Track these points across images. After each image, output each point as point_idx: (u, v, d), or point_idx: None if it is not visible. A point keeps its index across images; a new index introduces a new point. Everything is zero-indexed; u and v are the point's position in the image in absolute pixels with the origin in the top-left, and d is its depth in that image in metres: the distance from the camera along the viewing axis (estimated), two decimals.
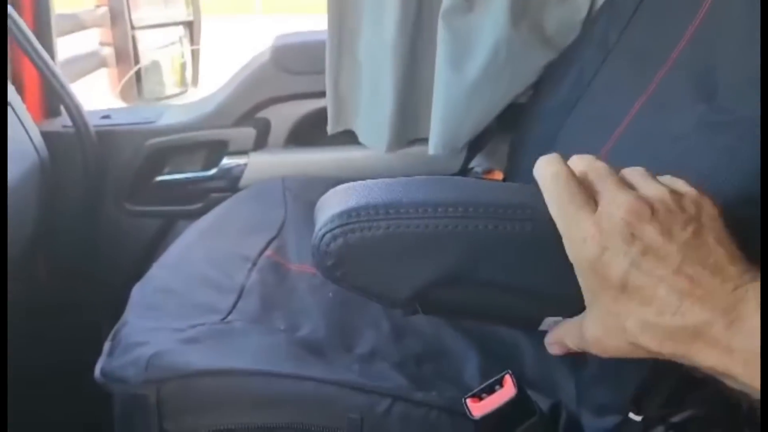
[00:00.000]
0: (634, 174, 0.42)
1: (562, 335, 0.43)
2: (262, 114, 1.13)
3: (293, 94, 1.12)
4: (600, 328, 0.40)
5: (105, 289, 0.93)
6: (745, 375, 0.35)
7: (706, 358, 0.37)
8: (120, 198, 1.12)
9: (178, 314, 0.72)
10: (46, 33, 1.11)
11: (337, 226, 0.41)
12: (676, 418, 0.61)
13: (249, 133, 1.12)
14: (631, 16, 0.84)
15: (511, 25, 0.95)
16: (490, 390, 0.57)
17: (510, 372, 0.57)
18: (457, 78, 0.96)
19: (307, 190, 1.03)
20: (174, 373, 0.62)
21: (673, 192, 0.40)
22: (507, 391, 0.56)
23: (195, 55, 1.67)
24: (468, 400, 0.57)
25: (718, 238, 0.38)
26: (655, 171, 0.65)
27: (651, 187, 0.40)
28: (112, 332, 0.72)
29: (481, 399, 0.57)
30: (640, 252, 0.37)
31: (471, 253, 0.42)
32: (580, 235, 0.38)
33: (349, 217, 0.41)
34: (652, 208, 0.38)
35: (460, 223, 0.41)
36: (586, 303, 0.41)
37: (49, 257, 1.10)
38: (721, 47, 0.64)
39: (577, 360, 0.74)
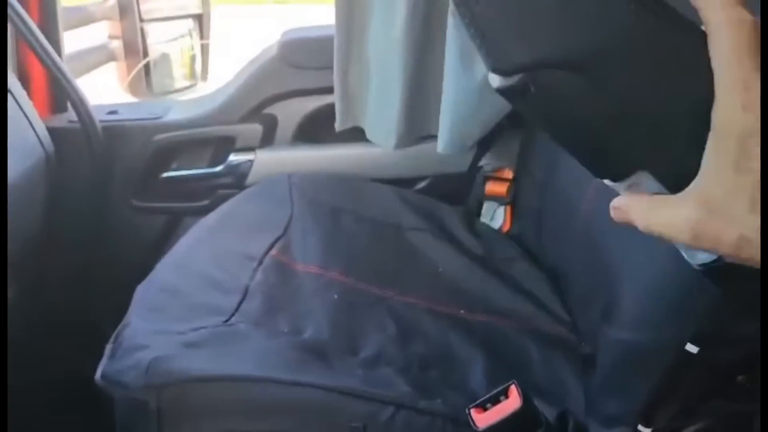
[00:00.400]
0: None
1: (628, 206, 0.35)
2: (269, 110, 1.11)
3: (301, 89, 1.10)
4: (709, 211, 0.32)
5: (111, 285, 0.92)
6: None
7: None
8: (126, 194, 1.11)
9: (181, 316, 0.71)
10: (53, 27, 1.10)
11: None
12: (686, 431, 0.60)
13: (256, 129, 1.11)
14: None
15: None
16: (495, 400, 0.56)
17: (515, 382, 0.56)
18: (467, 76, 0.95)
19: (314, 188, 1.02)
20: (174, 379, 0.61)
21: None
22: (512, 402, 0.55)
23: (204, 49, 1.66)
24: (472, 411, 0.56)
25: None
26: None
27: None
28: (114, 334, 0.71)
29: (485, 409, 0.56)
30: None
31: (603, 43, 0.37)
32: (745, 100, 0.31)
33: None
34: None
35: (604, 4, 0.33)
36: (702, 173, 0.33)
37: (55, 253, 1.09)
38: None
39: (585, 367, 0.73)
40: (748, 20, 0.32)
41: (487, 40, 0.39)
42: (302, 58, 1.09)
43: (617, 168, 0.37)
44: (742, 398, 0.57)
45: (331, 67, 1.04)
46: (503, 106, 0.98)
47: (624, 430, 0.59)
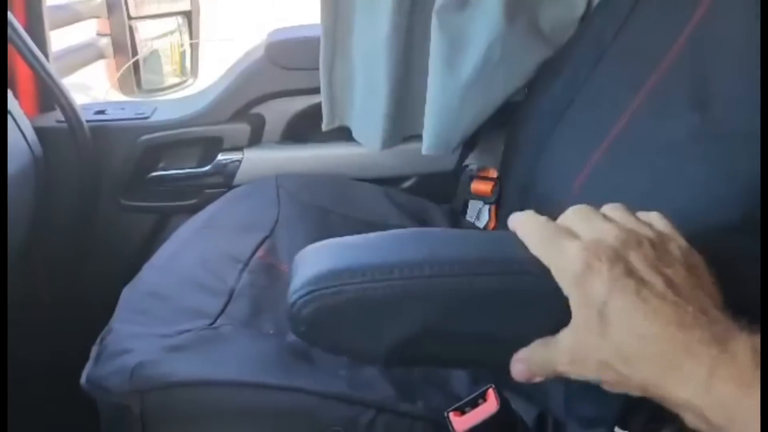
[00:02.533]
0: (617, 211, 0.42)
1: (528, 356, 0.43)
2: (256, 110, 1.12)
3: (288, 90, 1.11)
4: (575, 342, 0.41)
5: (100, 284, 0.93)
6: (716, 416, 0.34)
7: (680, 390, 0.36)
8: (115, 193, 1.12)
9: (166, 319, 0.72)
10: (39, 27, 1.10)
11: (308, 293, 0.42)
12: None
13: (244, 129, 1.11)
14: (627, 15, 0.83)
15: (506, 23, 0.93)
16: (474, 404, 0.57)
17: (493, 386, 0.57)
18: (451, 77, 0.95)
19: (301, 189, 1.03)
20: (158, 384, 0.61)
21: (660, 234, 0.39)
22: (489, 405, 0.56)
23: (194, 47, 1.66)
24: (451, 414, 0.57)
25: (703, 287, 0.38)
26: (646, 176, 0.65)
27: (636, 225, 0.40)
28: (100, 337, 0.72)
29: (464, 413, 0.57)
30: (624, 273, 0.37)
31: (440, 311, 0.43)
32: (566, 257, 0.39)
33: (318, 282, 0.42)
34: (638, 241, 0.38)
35: (427, 282, 0.42)
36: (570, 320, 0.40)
37: (44, 253, 1.10)
38: (716, 55, 0.62)
39: None
40: (540, 216, 0.43)
41: (344, 353, 0.48)
42: (289, 59, 1.09)
43: (505, 368, 0.46)
44: None
45: (318, 68, 1.04)
46: (488, 107, 0.99)
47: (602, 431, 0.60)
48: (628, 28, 0.82)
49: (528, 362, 0.43)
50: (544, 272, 0.41)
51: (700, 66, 0.63)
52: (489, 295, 0.43)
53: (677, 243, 0.40)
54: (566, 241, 0.39)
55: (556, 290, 0.41)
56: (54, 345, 1.02)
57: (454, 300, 0.43)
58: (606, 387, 0.41)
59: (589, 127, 0.80)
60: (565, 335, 0.40)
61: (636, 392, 0.39)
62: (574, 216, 0.41)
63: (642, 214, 0.42)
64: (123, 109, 1.15)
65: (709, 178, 0.55)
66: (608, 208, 0.42)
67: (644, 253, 0.38)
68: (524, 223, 0.42)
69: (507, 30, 0.93)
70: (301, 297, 0.43)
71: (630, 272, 0.37)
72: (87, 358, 0.70)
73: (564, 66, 0.92)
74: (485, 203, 1.05)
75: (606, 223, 0.40)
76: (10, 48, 1.04)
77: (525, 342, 0.45)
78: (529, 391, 0.71)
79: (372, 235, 0.48)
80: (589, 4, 0.97)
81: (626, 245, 0.38)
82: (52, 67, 1.05)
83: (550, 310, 0.43)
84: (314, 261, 0.46)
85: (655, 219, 0.42)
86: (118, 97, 1.44)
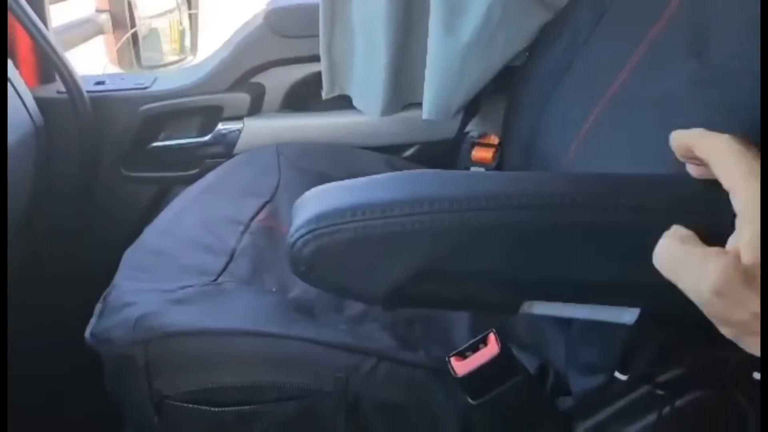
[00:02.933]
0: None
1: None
2: (256, 79, 1.12)
3: (288, 58, 1.10)
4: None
5: (101, 254, 0.93)
6: None
7: None
8: (115, 164, 1.12)
9: (168, 276, 0.72)
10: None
11: (308, 232, 0.42)
12: (662, 378, 0.61)
13: (244, 98, 1.11)
14: None
15: None
16: (474, 348, 0.57)
17: (494, 330, 0.57)
18: (451, 42, 0.95)
19: (302, 157, 1.03)
20: (161, 333, 0.62)
21: None
22: (490, 349, 0.56)
23: (193, 20, 1.65)
24: (452, 359, 0.57)
25: None
26: (644, 129, 0.65)
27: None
28: (103, 295, 0.72)
29: (465, 357, 0.57)
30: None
31: (442, 248, 0.43)
32: (705, 278, 0.35)
33: (318, 221, 0.42)
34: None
35: (426, 219, 0.42)
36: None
37: (45, 224, 1.10)
38: (713, 1, 0.62)
39: (567, 319, 0.74)
40: (681, 234, 0.37)
41: (346, 293, 0.47)
42: (288, 27, 1.09)
43: (508, 309, 0.48)
44: (717, 345, 0.58)
45: (318, 35, 1.04)
46: (487, 72, 0.99)
47: (602, 377, 0.61)
48: None
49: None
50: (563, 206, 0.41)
51: (699, 12, 0.63)
52: (488, 231, 0.43)
53: None
54: (709, 259, 0.36)
55: (565, 225, 0.41)
56: (56, 313, 1.02)
57: (454, 237, 0.43)
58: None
59: (589, 86, 0.80)
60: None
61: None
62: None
63: None
64: (123, 79, 1.14)
65: (708, 121, 0.55)
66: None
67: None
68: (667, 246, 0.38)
69: None
70: (301, 236, 0.43)
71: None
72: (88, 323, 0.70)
73: (564, 28, 0.92)
74: (486, 170, 1.06)
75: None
76: (11, 18, 1.04)
77: (523, 281, 0.44)
78: (529, 342, 0.72)
79: (373, 176, 0.49)
80: None
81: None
82: (52, 36, 1.05)
83: (551, 248, 0.43)
84: (315, 202, 0.46)
85: None
86: (117, 72, 1.43)
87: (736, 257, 0.35)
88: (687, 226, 0.38)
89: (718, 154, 0.38)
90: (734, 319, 0.36)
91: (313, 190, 0.49)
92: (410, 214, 0.43)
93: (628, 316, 0.50)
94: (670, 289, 0.38)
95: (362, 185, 0.48)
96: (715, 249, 0.36)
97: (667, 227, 0.38)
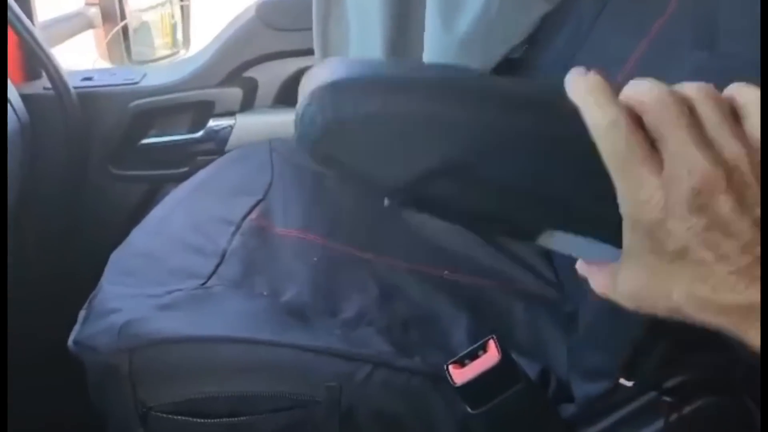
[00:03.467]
0: (713, 116, 0.33)
1: (588, 271, 0.39)
2: (249, 73, 1.09)
3: (281, 51, 1.08)
4: (639, 286, 0.35)
5: (91, 254, 0.91)
6: None
7: (756, 336, 0.33)
8: (104, 162, 1.09)
9: (156, 280, 0.70)
10: None
11: (327, 97, 0.35)
12: (669, 383, 0.59)
13: (236, 93, 1.09)
14: None
15: None
16: (474, 356, 0.55)
17: (494, 336, 0.55)
18: (447, 33, 0.92)
19: (296, 153, 1.00)
20: (146, 341, 0.60)
21: (752, 153, 0.33)
22: (490, 356, 0.54)
23: (185, 12, 1.62)
24: (450, 367, 0.55)
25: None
26: None
27: (731, 145, 0.33)
28: (88, 300, 0.70)
29: (463, 365, 0.54)
30: (707, 226, 0.32)
31: (478, 144, 0.36)
32: (640, 196, 0.33)
33: (341, 88, 0.36)
34: (727, 177, 0.32)
35: (470, 109, 0.36)
36: (626, 253, 0.36)
37: (33, 224, 1.07)
38: None
39: (569, 326, 0.72)
40: (622, 121, 0.33)
41: (358, 175, 0.39)
42: (281, 20, 1.06)
43: (527, 235, 0.40)
44: (723, 349, 0.56)
45: (311, 28, 1.01)
46: (485, 64, 0.96)
47: (606, 383, 0.58)
48: None
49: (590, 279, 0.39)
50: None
51: (703, 6, 0.60)
52: (533, 138, 0.36)
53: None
54: (645, 171, 0.33)
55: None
56: (45, 315, 0.99)
57: (496, 135, 0.36)
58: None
59: None
60: (627, 278, 0.36)
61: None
62: (660, 115, 0.33)
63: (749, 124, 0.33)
64: (111, 74, 1.12)
65: None
66: (706, 110, 0.33)
67: (733, 194, 0.32)
68: (599, 124, 0.34)
69: None
70: (318, 102, 0.35)
71: (713, 224, 0.32)
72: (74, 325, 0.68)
73: (565, 19, 0.89)
74: None
75: (695, 152, 0.32)
76: None
77: (553, 202, 0.37)
78: (530, 347, 0.70)
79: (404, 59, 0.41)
80: None
81: (715, 188, 0.32)
82: (38, 32, 1.02)
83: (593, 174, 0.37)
84: (331, 70, 0.38)
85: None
86: (107, 66, 1.40)
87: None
88: None
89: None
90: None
91: (328, 60, 0.43)
92: (453, 101, 0.36)
93: None
94: None
95: (398, 63, 0.41)
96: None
97: None
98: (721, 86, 0.54)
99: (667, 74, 0.64)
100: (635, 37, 0.70)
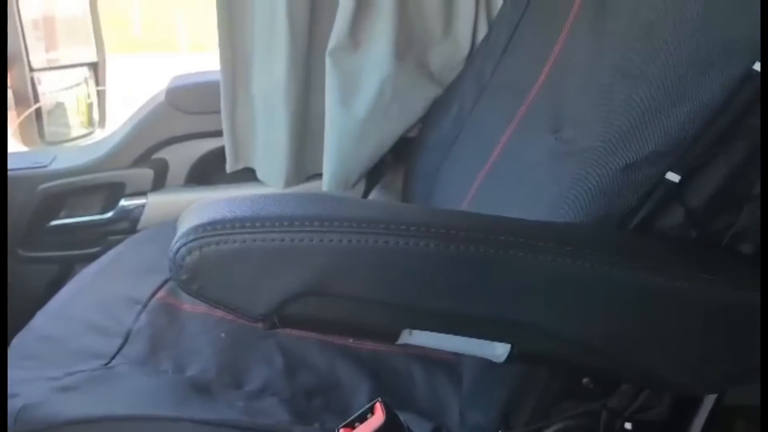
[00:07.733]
0: None
1: None
2: (159, 155, 1.12)
3: (190, 134, 1.12)
4: None
5: None
6: None
7: None
8: (12, 245, 1.09)
9: (57, 362, 0.70)
10: None
11: (193, 239, 0.41)
12: None
13: (147, 174, 1.11)
14: (502, 52, 0.90)
15: (396, 63, 0.98)
16: (363, 418, 0.58)
17: (380, 399, 0.59)
18: (347, 115, 0.99)
19: None
20: (44, 425, 0.60)
21: None
22: (377, 418, 0.58)
23: (101, 96, 1.65)
24: (341, 430, 0.58)
25: None
26: (515, 199, 0.70)
27: None
28: None
29: (353, 428, 0.58)
30: None
31: (329, 268, 0.42)
32: None
33: (205, 230, 0.41)
34: None
35: (316, 237, 0.41)
36: None
37: None
38: (568, 82, 0.69)
39: (460, 381, 0.76)
40: None
41: (227, 306, 0.45)
42: (190, 104, 1.11)
43: (388, 338, 0.48)
44: (589, 398, 0.62)
45: (219, 111, 1.07)
46: (383, 144, 1.03)
47: None
48: (502, 65, 0.89)
49: None
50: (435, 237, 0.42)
51: (557, 93, 0.69)
52: (374, 254, 0.43)
53: None
54: None
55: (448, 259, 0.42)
56: None
57: (343, 257, 0.42)
58: None
59: (474, 154, 0.86)
60: None
61: None
62: None
63: None
64: (20, 158, 1.13)
65: (563, 192, 0.60)
66: None
67: None
68: None
69: (397, 69, 0.99)
70: (185, 244, 0.41)
71: None
72: None
73: (451, 102, 0.98)
74: None
75: None
76: None
77: (403, 308, 0.44)
78: (427, 406, 0.74)
79: (266, 193, 0.48)
80: (473, 44, 1.04)
81: None
82: None
83: (433, 277, 0.43)
84: (201, 212, 0.44)
85: None
86: (19, 148, 1.40)
87: None
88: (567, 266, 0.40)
89: None
90: None
91: (197, 204, 0.47)
92: (299, 231, 0.42)
93: (500, 350, 0.51)
94: (538, 326, 0.40)
95: (253, 200, 0.47)
96: None
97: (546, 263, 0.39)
98: (565, 168, 0.62)
99: (528, 153, 0.73)
100: (505, 120, 0.79)
